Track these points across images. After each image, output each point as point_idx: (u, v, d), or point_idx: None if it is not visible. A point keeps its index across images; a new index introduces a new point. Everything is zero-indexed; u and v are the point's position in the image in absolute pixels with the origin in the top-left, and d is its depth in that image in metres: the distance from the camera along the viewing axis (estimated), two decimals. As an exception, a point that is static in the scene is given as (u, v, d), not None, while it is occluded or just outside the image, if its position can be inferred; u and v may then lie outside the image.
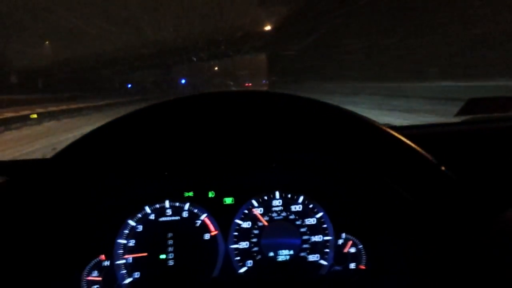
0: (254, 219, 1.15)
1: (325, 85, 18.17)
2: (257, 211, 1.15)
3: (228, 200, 1.16)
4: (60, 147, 0.94)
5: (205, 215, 1.14)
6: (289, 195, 1.17)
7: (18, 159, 1.17)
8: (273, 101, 0.91)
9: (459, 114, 1.40)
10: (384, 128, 0.84)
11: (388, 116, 8.89)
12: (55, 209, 1.02)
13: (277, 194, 1.17)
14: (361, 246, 1.15)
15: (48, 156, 0.94)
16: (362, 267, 1.14)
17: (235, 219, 1.14)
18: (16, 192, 0.95)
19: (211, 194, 1.16)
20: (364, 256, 1.14)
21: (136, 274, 1.10)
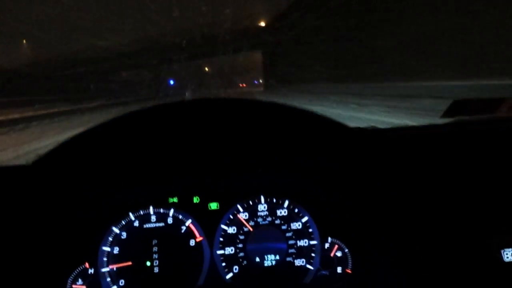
0: (239, 224, 1.14)
1: (334, 86, 16.40)
2: (242, 216, 1.15)
3: (213, 206, 1.15)
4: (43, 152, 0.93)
5: (190, 221, 1.13)
6: (274, 200, 1.17)
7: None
8: (247, 108, 0.93)
9: (444, 116, 1.40)
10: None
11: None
12: (37, 216, 1.01)
13: (262, 198, 1.16)
14: (347, 250, 1.14)
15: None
16: (349, 271, 1.14)
17: (221, 224, 1.14)
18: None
19: (195, 200, 1.15)
20: (350, 260, 1.14)
21: (121, 282, 1.09)
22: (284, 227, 1.15)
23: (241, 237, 1.14)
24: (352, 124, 1.04)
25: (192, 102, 0.92)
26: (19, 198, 1.00)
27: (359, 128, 1.42)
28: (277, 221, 1.15)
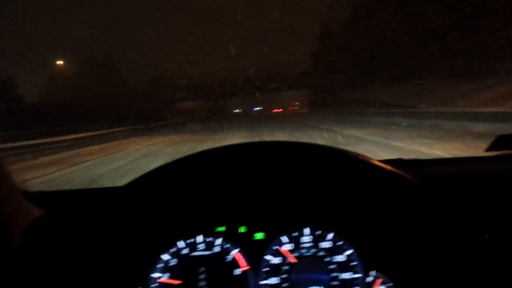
0: (284, 255, 1.17)
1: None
2: (287, 248, 1.17)
3: (259, 236, 1.18)
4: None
5: (236, 250, 1.17)
6: (319, 232, 1.19)
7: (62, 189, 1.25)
8: (295, 150, 1.09)
9: (489, 150, 1.39)
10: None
11: None
12: (106, 238, 1.10)
13: (307, 230, 1.19)
14: (391, 284, 1.14)
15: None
16: None
17: (265, 255, 1.17)
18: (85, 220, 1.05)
19: (242, 229, 1.19)
20: None
21: None
22: (327, 259, 1.16)
23: (285, 267, 1.16)
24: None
25: (248, 145, 1.03)
26: (113, 217, 1.09)
27: (401, 159, 1.43)
28: (321, 253, 1.17)
